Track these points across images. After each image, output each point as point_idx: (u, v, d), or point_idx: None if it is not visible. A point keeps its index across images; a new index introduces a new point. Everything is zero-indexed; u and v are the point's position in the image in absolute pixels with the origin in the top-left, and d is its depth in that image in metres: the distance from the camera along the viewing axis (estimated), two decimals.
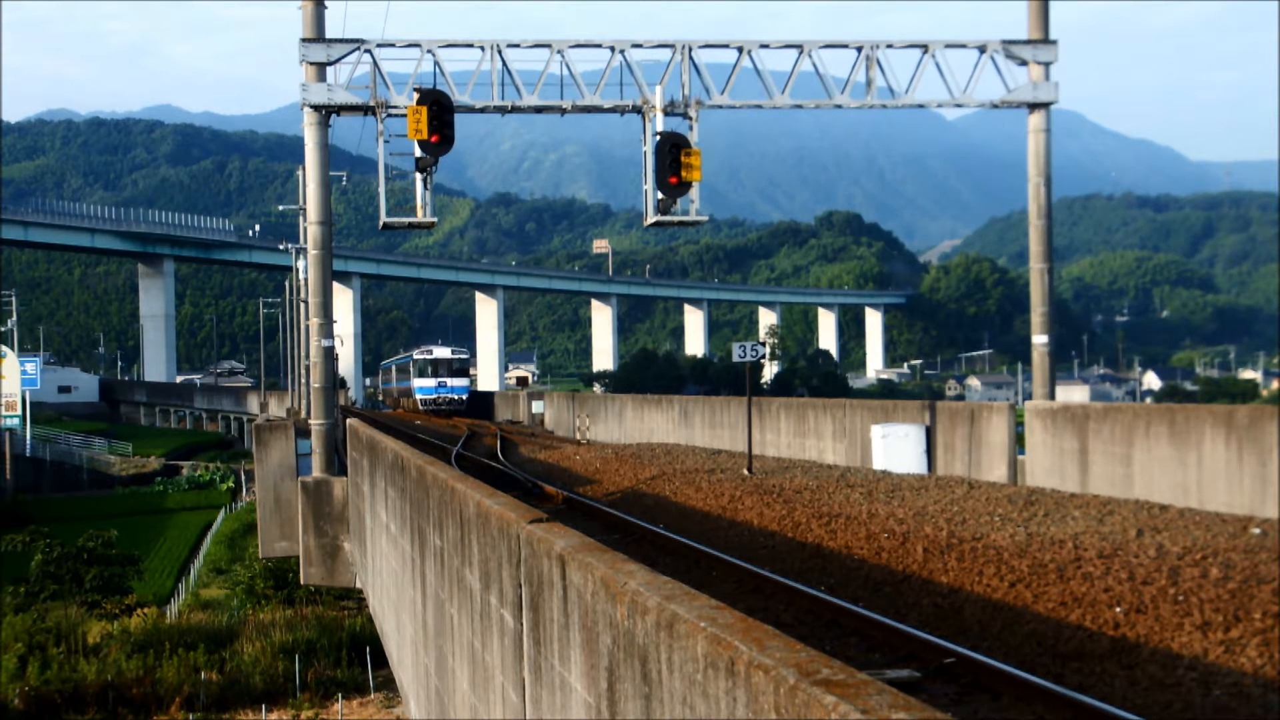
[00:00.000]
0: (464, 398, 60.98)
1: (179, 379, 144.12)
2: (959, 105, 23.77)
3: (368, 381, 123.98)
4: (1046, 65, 23.07)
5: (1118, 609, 9.64)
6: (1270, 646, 8.43)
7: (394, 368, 76.34)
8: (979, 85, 23.37)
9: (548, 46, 22.85)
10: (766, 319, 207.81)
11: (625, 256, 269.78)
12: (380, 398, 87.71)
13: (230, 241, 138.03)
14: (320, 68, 21.80)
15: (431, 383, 60.69)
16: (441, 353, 62.93)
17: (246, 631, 37.33)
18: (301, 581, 24.74)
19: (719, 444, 30.18)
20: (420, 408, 60.75)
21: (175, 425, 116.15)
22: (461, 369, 62.45)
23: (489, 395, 68.39)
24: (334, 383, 26.42)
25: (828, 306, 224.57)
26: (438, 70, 22.22)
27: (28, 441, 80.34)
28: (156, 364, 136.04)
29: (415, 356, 63.23)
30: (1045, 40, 23.06)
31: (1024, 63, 23.13)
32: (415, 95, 20.98)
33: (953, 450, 21.24)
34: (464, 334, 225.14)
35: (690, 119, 22.33)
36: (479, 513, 7.91)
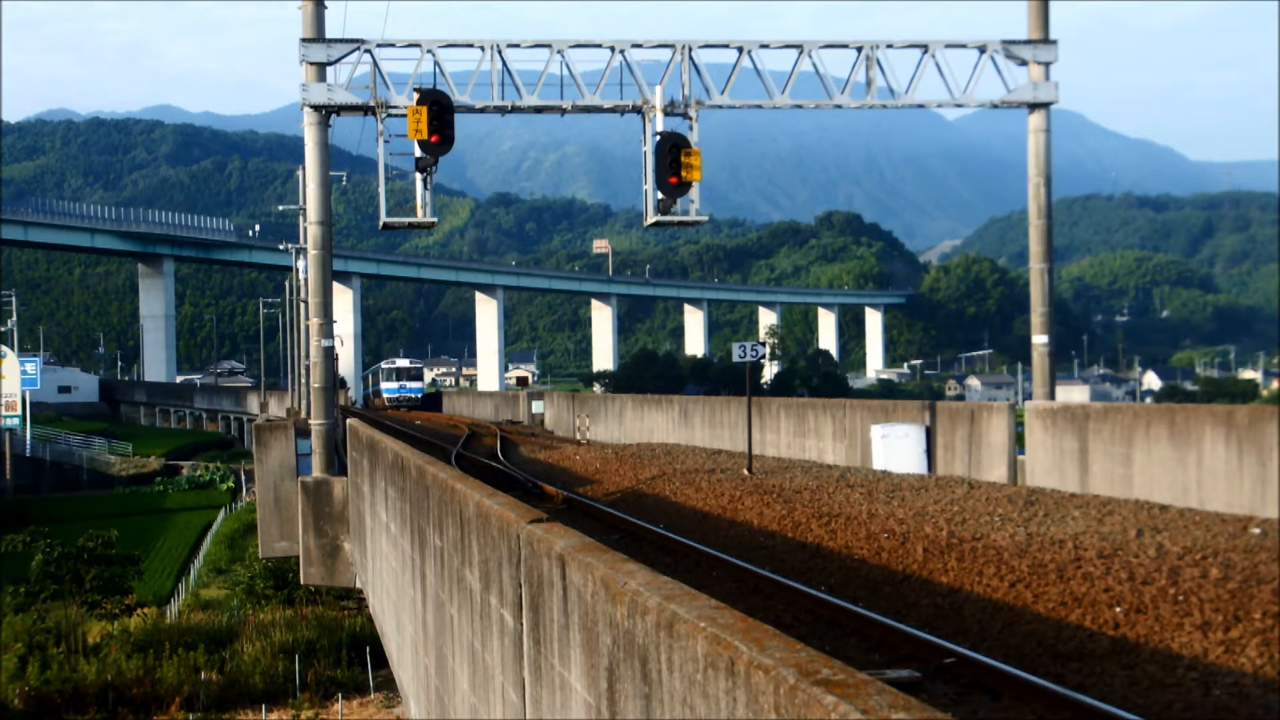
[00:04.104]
0: (418, 396, 79.49)
1: (179, 379, 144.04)
2: (959, 105, 23.75)
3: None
4: (1046, 65, 23.06)
5: (1118, 609, 9.64)
6: (1270, 646, 8.43)
7: (370, 375, 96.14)
8: (979, 85, 23.37)
9: (548, 46, 22.83)
10: (766, 319, 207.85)
11: (625, 256, 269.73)
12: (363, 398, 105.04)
13: (230, 241, 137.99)
14: (320, 68, 21.79)
15: (395, 385, 79.36)
16: (402, 363, 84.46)
17: (246, 631, 37.30)
18: (301, 581, 24.72)
19: (719, 444, 30.17)
20: (387, 404, 77.83)
21: (175, 425, 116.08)
22: (416, 375, 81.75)
23: (439, 394, 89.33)
24: (334, 383, 26.41)
25: (828, 306, 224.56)
26: (438, 70, 22.20)
27: (28, 441, 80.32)
28: (156, 364, 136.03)
29: (383, 366, 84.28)
30: (1045, 40, 23.05)
31: (1024, 63, 23.12)
32: (415, 95, 20.96)
33: (953, 450, 21.24)
34: (464, 334, 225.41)
35: (690, 119, 22.31)
36: (479, 513, 7.91)
